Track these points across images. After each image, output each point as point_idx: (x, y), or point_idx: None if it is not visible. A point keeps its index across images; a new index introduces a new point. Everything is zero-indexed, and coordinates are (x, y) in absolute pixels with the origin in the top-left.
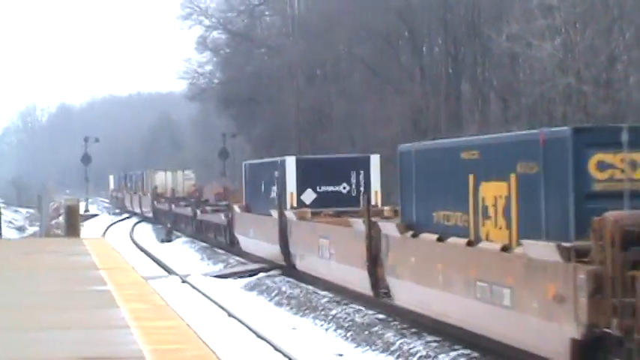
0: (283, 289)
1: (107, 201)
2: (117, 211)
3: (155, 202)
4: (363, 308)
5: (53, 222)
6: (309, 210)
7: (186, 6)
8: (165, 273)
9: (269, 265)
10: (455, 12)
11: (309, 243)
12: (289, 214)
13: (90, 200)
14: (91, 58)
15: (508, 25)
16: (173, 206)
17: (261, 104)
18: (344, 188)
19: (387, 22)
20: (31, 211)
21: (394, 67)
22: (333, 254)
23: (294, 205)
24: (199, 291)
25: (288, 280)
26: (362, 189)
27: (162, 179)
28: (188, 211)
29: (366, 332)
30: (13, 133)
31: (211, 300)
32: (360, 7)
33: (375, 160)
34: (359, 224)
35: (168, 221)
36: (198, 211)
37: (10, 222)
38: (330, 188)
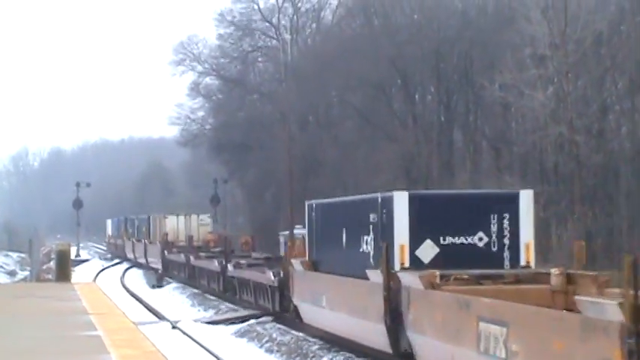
0: (274, 335)
1: (104, 248)
2: (108, 256)
3: (166, 252)
4: (353, 355)
5: (44, 267)
6: (436, 272)
7: (179, 52)
8: (156, 319)
9: (260, 313)
10: (448, 61)
11: (456, 327)
12: (407, 278)
13: (81, 245)
14: (83, 102)
15: (500, 74)
16: (192, 258)
17: (253, 150)
18: (480, 240)
19: (379, 70)
20: (22, 255)
21: (386, 114)
22: (517, 353)
23: (405, 263)
24: (190, 337)
25: (279, 326)
26: (507, 241)
27: (174, 225)
28: (214, 265)
29: None
30: (5, 177)
31: (202, 346)
32: (352, 54)
33: (526, 198)
34: (601, 309)
35: (161, 268)
36: (230, 266)
37: (1, 266)
38: (460, 240)
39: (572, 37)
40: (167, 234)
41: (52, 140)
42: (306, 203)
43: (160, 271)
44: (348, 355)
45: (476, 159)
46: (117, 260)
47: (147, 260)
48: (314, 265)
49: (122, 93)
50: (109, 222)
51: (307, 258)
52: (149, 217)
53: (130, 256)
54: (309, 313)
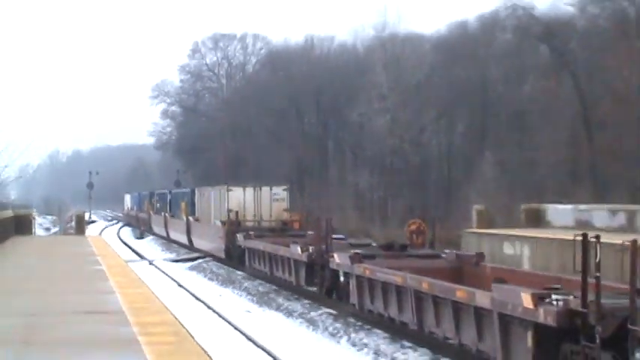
0: (214, 269)
1: (120, 215)
2: (109, 218)
3: (239, 237)
4: (264, 282)
5: (68, 225)
6: None
7: (155, 90)
8: (139, 258)
9: (205, 254)
10: (326, 95)
11: None
12: None
13: (92, 212)
14: (94, 115)
15: (357, 105)
16: (310, 251)
17: (201, 152)
18: None
19: (281, 102)
20: (54, 217)
21: (286, 130)
22: None
23: None
24: (160, 270)
25: (217, 264)
26: None
27: (240, 200)
28: (392, 275)
29: (266, 297)
30: (44, 168)
31: (168, 275)
32: (264, 92)
33: None
34: None
35: (143, 228)
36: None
37: (40, 224)
38: None
39: (402, 83)
40: (236, 212)
41: (74, 143)
42: None
43: (142, 229)
44: (260, 281)
45: (342, 160)
46: (115, 221)
47: (190, 241)
48: None
49: (117, 114)
50: (127, 197)
51: None
52: (193, 190)
53: (161, 232)
54: None
